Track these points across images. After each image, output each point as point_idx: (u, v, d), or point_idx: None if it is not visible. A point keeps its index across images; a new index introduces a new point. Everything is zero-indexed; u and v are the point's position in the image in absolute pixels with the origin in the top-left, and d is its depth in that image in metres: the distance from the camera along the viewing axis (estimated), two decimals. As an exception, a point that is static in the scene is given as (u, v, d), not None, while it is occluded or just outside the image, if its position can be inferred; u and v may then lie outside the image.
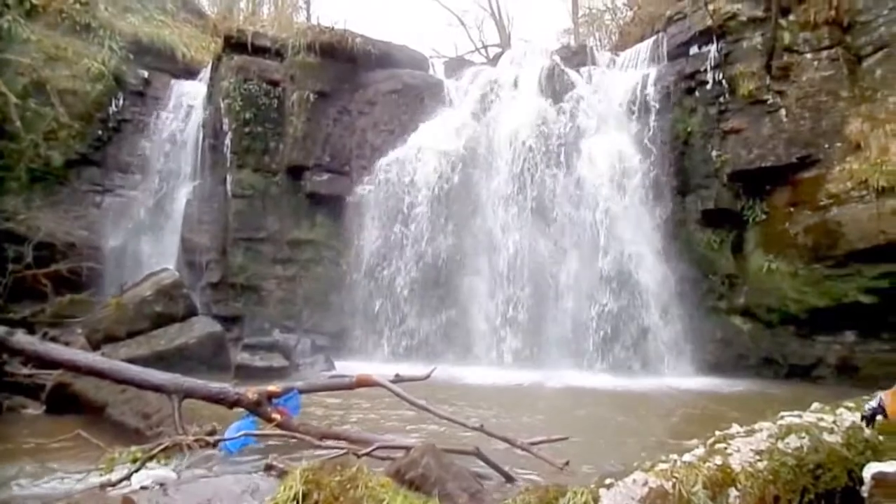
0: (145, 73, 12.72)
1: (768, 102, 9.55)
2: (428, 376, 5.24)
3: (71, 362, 5.36)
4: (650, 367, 9.67)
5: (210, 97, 12.53)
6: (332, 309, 11.44)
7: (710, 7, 10.32)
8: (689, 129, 10.41)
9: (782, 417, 2.78)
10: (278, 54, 12.45)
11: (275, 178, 12.10)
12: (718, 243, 10.06)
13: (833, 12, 9.31)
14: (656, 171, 10.51)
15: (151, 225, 11.99)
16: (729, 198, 9.91)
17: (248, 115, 12.02)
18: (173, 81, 12.96)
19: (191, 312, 9.30)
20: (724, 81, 10.15)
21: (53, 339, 7.62)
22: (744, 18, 9.95)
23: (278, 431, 4.38)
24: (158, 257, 11.51)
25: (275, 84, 12.38)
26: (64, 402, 5.74)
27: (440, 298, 10.80)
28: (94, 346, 8.22)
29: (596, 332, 9.94)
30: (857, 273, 8.41)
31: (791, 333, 9.32)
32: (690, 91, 10.48)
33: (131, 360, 6.34)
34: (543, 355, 10.04)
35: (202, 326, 9.06)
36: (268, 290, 11.69)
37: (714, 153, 10.06)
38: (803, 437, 2.48)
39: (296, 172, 12.02)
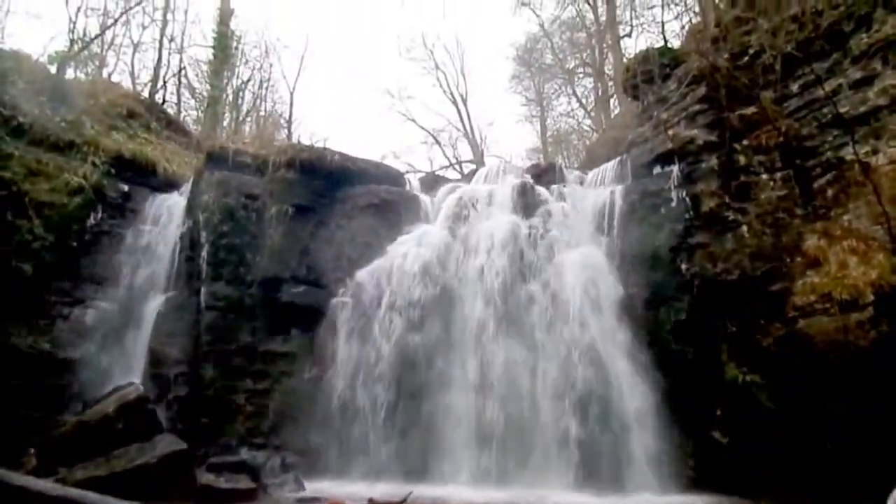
0: (125, 188, 12.89)
1: (730, 219, 10.01)
2: (404, 501, 5.03)
3: (20, 489, 5.04)
4: (631, 483, 9.39)
5: (189, 210, 12.70)
6: (303, 424, 11.05)
7: (671, 132, 11.05)
8: (657, 244, 10.76)
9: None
10: (259, 170, 12.83)
11: (249, 290, 12.04)
12: (693, 354, 10.12)
13: (781, 138, 10.03)
14: (628, 284, 10.76)
15: (119, 337, 11.70)
16: (700, 310, 10.10)
17: (225, 228, 12.15)
18: (153, 195, 13.14)
19: (155, 429, 8.92)
20: (687, 199, 10.68)
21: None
22: (700, 143, 10.63)
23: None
24: (125, 370, 11.14)
25: (254, 198, 12.63)
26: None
27: (416, 414, 10.53)
28: (50, 467, 7.76)
29: (574, 448, 9.71)
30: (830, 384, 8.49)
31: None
32: (656, 207, 10.96)
33: (88, 483, 6.00)
34: (523, 472, 9.72)
35: (165, 445, 8.65)
36: (238, 404, 11.30)
37: (683, 266, 10.37)
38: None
39: (271, 284, 12.02)
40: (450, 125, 29.45)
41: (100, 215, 12.34)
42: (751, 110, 10.37)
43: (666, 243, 10.68)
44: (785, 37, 10.41)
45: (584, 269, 11.01)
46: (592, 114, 23.65)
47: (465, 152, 28.93)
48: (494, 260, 11.37)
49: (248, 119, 17.93)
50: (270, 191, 12.56)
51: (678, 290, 10.40)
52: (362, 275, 11.81)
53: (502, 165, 13.58)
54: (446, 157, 29.29)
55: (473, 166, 24.05)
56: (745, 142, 10.30)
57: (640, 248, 10.85)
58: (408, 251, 11.81)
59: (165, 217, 12.83)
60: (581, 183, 12.38)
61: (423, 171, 23.04)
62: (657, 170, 11.16)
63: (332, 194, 12.65)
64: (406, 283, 11.47)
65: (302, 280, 12.04)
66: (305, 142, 12.86)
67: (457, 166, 26.98)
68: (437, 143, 28.99)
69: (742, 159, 10.19)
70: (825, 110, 9.82)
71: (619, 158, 11.78)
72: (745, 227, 9.86)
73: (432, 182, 13.72)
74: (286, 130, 18.49)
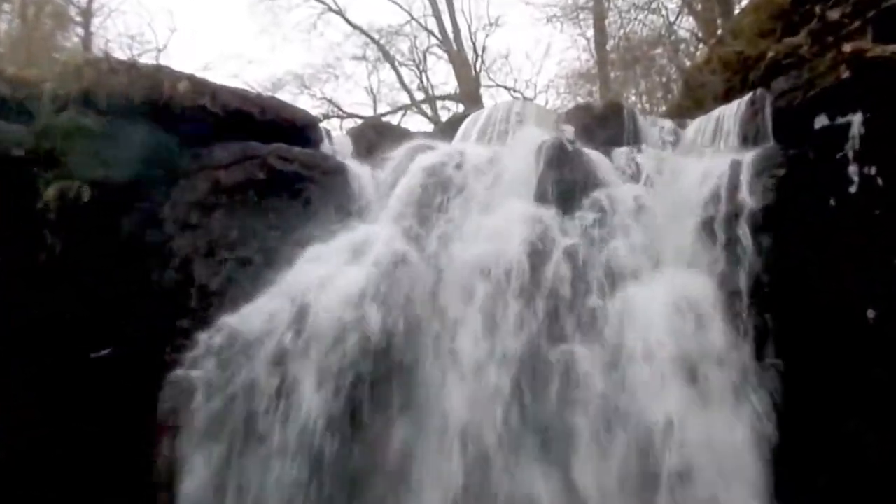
0: None
1: None
2: None
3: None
4: None
5: None
6: None
7: (847, 47, 5.63)
8: (828, 270, 5.42)
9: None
10: (21, 111, 6.46)
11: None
12: None
13: None
14: (778, 349, 5.40)
15: None
16: None
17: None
18: None
19: None
20: (879, 180, 5.37)
21: None
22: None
23: None
24: None
25: (17, 165, 6.36)
26: None
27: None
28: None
29: None
30: None
31: None
32: (822, 196, 5.58)
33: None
34: None
35: None
36: None
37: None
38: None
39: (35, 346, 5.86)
40: (413, 24, 16.76)
41: None
42: None
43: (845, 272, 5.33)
44: None
45: (679, 318, 5.56)
46: (698, 5, 12.53)
47: (444, 78, 18.53)
48: (497, 297, 5.77)
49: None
50: (45, 153, 6.31)
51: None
52: (233, 322, 5.80)
53: (517, 107, 7.46)
54: (405, 87, 16.84)
55: (459, 107, 14.72)
56: None
57: (797, 279, 5.51)
58: (327, 276, 5.94)
59: None
60: (673, 143, 6.85)
61: (357, 116, 15.27)
62: (821, 121, 5.71)
63: (172, 161, 6.54)
64: (324, 342, 5.64)
65: (104, 337, 6.00)
66: (121, 55, 6.60)
67: (426, 107, 16.73)
68: (388, 58, 16.88)
69: None
70: None
71: (748, 97, 6.25)
72: None
73: (376, 137, 7.56)
74: (81, 32, 10.86)
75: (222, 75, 15.10)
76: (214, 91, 6.66)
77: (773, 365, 5.56)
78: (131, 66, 6.53)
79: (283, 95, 14.48)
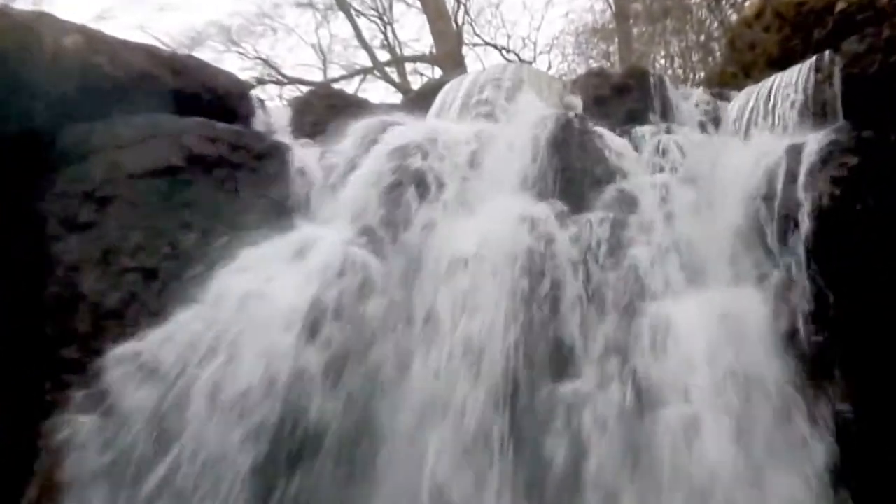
0: None
1: None
2: None
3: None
4: None
5: None
6: None
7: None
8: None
9: None
10: None
11: None
12: None
13: None
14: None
15: None
16: None
17: None
18: None
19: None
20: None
21: None
22: None
23: None
24: None
25: None
26: None
27: None
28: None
29: None
30: None
31: None
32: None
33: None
34: None
35: None
36: None
37: None
38: None
39: None
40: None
41: None
42: None
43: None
44: None
45: (721, 347, 4.35)
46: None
47: (416, 33, 13.46)
48: (483, 324, 4.47)
49: None
50: None
51: None
52: (136, 352, 4.45)
53: (511, 72, 5.93)
54: (364, 45, 13.27)
55: (435, 72, 11.86)
56: None
57: (872, 297, 4.34)
58: (258, 292, 4.59)
59: None
60: (714, 121, 5.64)
61: (302, 82, 12.50)
62: None
63: (56, 138, 5.10)
64: (250, 379, 4.30)
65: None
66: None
67: (392, 71, 13.27)
68: (342, 6, 13.13)
69: None
70: None
71: (811, 61, 5.07)
72: None
73: (326, 110, 6.08)
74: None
75: (125, 27, 11.53)
76: (114, 48, 5.18)
77: (839, 412, 4.34)
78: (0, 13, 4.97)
79: (205, 54, 11.71)
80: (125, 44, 5.28)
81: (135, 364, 4.48)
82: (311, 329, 4.35)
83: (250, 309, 4.50)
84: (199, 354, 4.36)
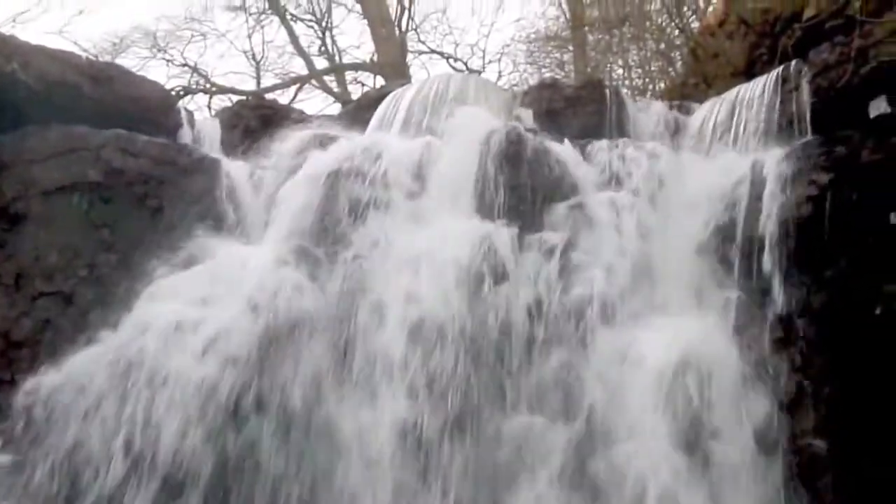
0: None
1: None
2: None
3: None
4: None
5: None
6: None
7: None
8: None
9: None
10: None
11: None
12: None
13: None
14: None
15: None
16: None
17: None
18: None
19: None
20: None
21: None
22: None
23: None
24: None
25: None
26: None
27: None
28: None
29: None
30: None
31: None
32: (879, 211, 4.12)
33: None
34: None
35: None
36: None
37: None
38: None
39: None
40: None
41: None
42: None
43: None
44: None
45: (679, 383, 4.03)
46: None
47: (356, 39, 14.11)
48: (424, 355, 4.17)
49: None
50: None
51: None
52: (50, 386, 4.00)
53: (458, 82, 5.60)
54: (300, 52, 12.93)
55: (377, 81, 11.55)
56: None
57: (845, 327, 4.10)
58: (182, 321, 4.22)
59: None
60: (674, 135, 5.30)
61: (233, 92, 11.79)
62: (879, 107, 4.34)
63: None
64: (175, 417, 3.95)
65: None
66: None
67: (331, 80, 12.94)
68: (276, 9, 12.73)
69: None
70: None
71: (777, 72, 4.82)
72: None
73: (258, 122, 5.72)
74: None
75: (39, 32, 10.57)
76: (27, 54, 4.81)
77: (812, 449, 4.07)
78: None
79: (128, 61, 10.61)
80: (41, 50, 4.92)
81: (48, 399, 4.13)
82: (240, 389, 3.95)
83: (175, 341, 4.14)
84: (117, 393, 4.01)
